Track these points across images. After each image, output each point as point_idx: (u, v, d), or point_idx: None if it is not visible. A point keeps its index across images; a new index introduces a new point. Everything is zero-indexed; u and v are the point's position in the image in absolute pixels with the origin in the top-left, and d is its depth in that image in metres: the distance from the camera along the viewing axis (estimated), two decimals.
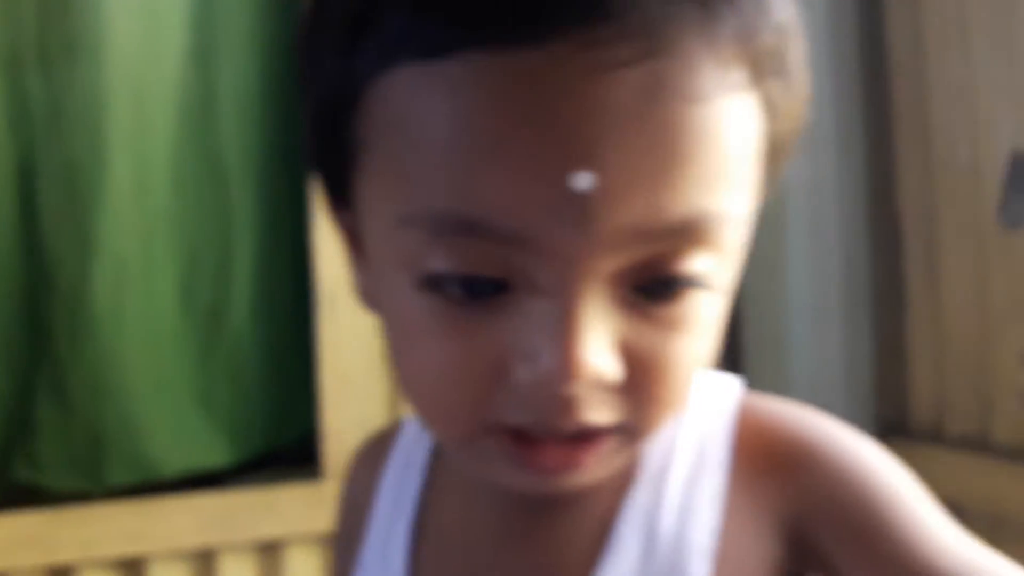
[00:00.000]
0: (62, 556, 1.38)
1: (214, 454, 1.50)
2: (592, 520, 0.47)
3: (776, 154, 0.45)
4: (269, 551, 1.47)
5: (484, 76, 0.37)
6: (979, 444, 1.44)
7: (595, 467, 0.43)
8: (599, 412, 0.41)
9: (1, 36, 1.43)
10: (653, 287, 0.41)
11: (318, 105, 0.45)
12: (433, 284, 0.40)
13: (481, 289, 0.40)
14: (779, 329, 1.64)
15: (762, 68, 0.41)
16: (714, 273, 0.42)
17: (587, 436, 0.42)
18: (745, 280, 0.49)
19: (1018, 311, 1.38)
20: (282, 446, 1.57)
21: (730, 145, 0.40)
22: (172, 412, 1.49)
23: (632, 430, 0.43)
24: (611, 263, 0.39)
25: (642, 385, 0.41)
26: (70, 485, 1.44)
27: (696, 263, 0.41)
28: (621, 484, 0.48)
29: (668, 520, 0.46)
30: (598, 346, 0.39)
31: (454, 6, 0.37)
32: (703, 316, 0.43)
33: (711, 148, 0.39)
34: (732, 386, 0.51)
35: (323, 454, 1.49)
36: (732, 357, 1.62)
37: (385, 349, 0.46)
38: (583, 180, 0.37)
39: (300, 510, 1.47)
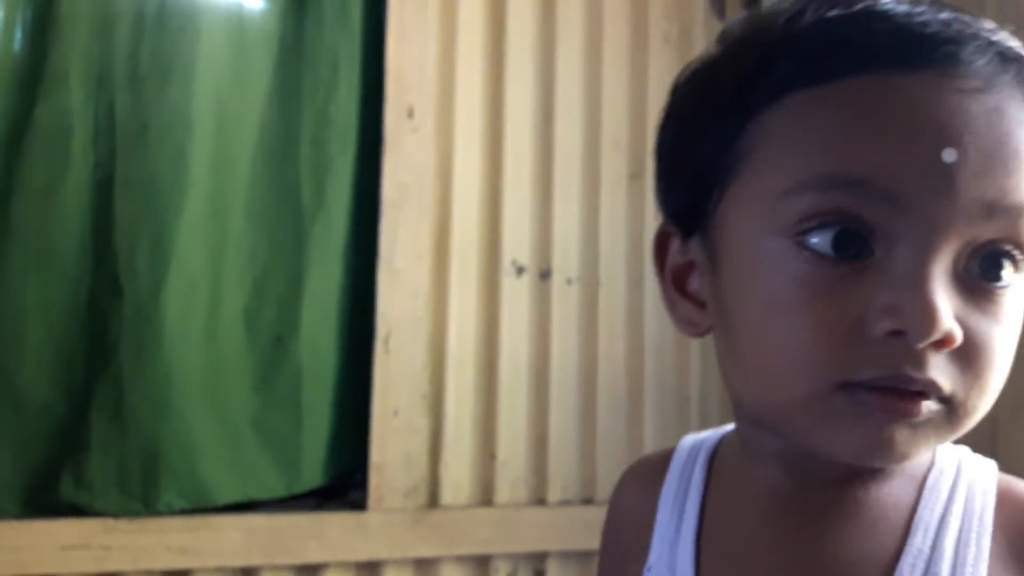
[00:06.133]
0: (112, 565, 1.39)
1: (267, 486, 1.48)
2: (873, 553, 0.52)
3: None
4: (310, 574, 1.49)
5: (869, 88, 0.50)
6: None
7: (917, 438, 0.49)
8: (940, 374, 0.48)
9: (95, 54, 1.44)
10: (986, 266, 0.50)
11: (697, 150, 0.56)
12: (809, 238, 0.49)
13: (848, 247, 0.49)
14: None
15: None
16: None
17: (923, 396, 0.48)
18: None
19: None
20: (332, 482, 1.54)
21: None
22: (228, 437, 1.46)
23: (954, 405, 0.49)
24: (963, 233, 0.48)
25: (968, 360, 0.49)
26: (119, 507, 1.40)
27: (1020, 250, 0.50)
28: (899, 527, 0.53)
29: (944, 569, 0.51)
30: (947, 308, 0.47)
31: (846, 51, 0.51)
32: (1015, 309, 0.51)
33: None
34: (989, 463, 0.58)
35: (369, 486, 1.52)
36: None
37: (731, 344, 0.53)
38: (950, 154, 0.48)
39: (343, 538, 1.49)
